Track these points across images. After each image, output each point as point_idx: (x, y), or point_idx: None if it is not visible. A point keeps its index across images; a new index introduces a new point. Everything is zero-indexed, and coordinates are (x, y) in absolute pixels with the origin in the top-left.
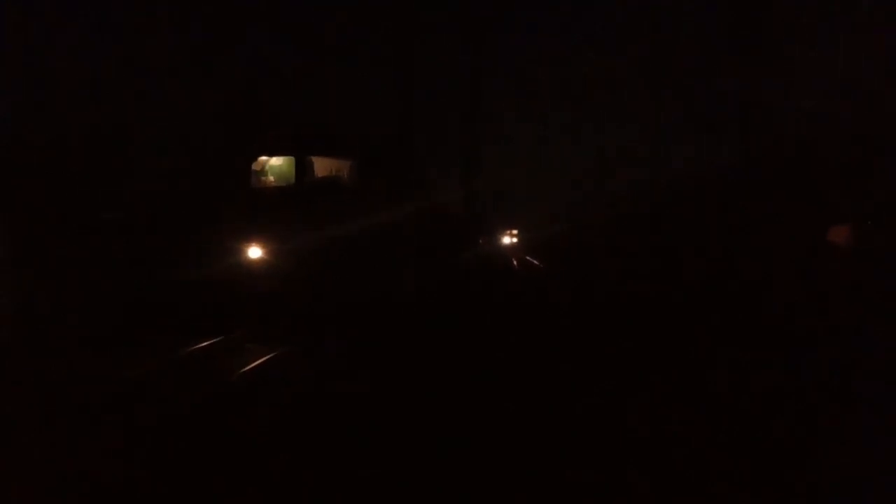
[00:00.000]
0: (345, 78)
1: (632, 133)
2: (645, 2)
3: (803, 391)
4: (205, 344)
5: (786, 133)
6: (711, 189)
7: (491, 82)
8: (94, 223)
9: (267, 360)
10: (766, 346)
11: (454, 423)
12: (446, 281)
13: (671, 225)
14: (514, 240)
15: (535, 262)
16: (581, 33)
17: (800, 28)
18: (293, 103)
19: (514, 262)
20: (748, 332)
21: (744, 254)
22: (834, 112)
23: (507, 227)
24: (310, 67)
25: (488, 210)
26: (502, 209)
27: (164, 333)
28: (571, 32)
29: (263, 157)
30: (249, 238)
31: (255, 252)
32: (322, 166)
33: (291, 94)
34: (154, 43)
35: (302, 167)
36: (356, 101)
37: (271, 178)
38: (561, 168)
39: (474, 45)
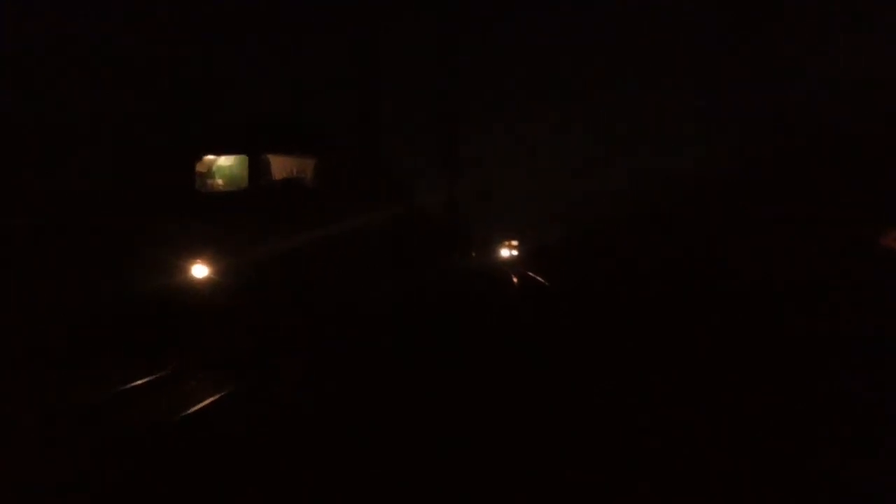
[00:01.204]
0: (315, 71)
1: (631, 133)
2: (645, 2)
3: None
4: (142, 381)
5: (786, 133)
6: (712, 189)
7: (487, 82)
8: (9, 228)
9: (213, 400)
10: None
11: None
12: (421, 301)
13: (670, 225)
14: (515, 252)
15: (540, 278)
16: (581, 33)
17: (800, 28)
18: (258, 97)
19: (515, 279)
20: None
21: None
22: (834, 112)
23: (505, 236)
24: (284, 61)
25: (485, 218)
26: (502, 217)
27: (99, 359)
28: (571, 32)
29: (210, 157)
30: (190, 254)
31: (198, 270)
32: (280, 166)
33: (258, 87)
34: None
35: (256, 167)
36: (327, 95)
37: (219, 181)
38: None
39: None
